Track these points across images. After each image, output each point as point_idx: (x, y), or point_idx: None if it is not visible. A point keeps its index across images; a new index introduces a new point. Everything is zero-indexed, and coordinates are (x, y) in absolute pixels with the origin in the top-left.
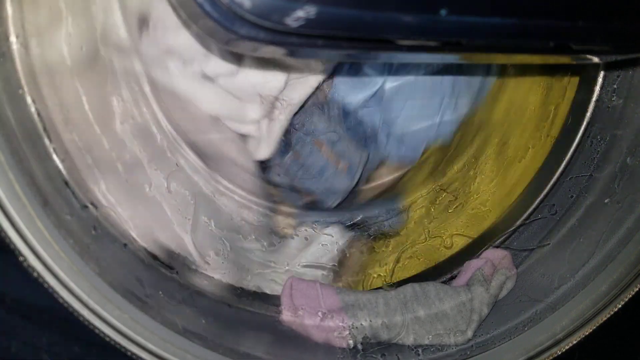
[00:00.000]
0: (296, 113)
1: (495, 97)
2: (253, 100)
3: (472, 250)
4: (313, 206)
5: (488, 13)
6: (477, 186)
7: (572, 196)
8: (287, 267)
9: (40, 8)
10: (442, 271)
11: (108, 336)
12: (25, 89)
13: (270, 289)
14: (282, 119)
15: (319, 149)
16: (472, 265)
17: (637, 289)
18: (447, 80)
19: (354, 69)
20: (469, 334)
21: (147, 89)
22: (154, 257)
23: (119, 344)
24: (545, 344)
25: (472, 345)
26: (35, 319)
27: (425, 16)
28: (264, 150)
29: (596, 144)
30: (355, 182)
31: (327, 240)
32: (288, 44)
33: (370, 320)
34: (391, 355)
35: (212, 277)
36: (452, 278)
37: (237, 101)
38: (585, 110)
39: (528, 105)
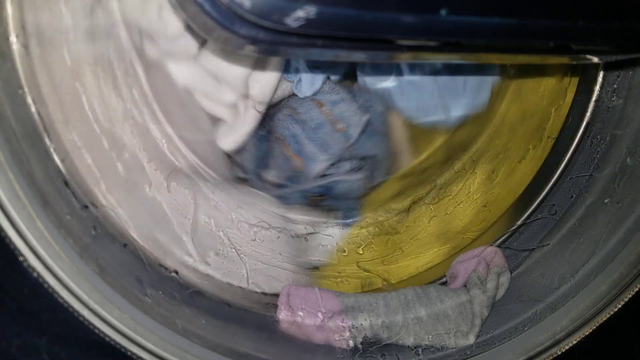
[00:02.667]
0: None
1: (495, 97)
2: (229, 83)
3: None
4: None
5: (488, 13)
6: (477, 187)
7: (572, 196)
8: (286, 266)
9: (40, 8)
10: (442, 271)
11: (108, 336)
12: (25, 89)
13: (270, 287)
14: (252, 112)
15: (319, 107)
16: (465, 267)
17: (637, 289)
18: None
19: None
20: (471, 338)
21: (146, 88)
22: (154, 257)
23: (119, 344)
24: (545, 344)
25: (472, 345)
26: (35, 319)
27: (425, 16)
28: (230, 141)
29: (596, 144)
30: (350, 142)
31: (327, 241)
32: (288, 44)
33: (371, 321)
34: (391, 355)
35: (212, 277)
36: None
37: (214, 80)
38: (585, 110)
39: (528, 106)
